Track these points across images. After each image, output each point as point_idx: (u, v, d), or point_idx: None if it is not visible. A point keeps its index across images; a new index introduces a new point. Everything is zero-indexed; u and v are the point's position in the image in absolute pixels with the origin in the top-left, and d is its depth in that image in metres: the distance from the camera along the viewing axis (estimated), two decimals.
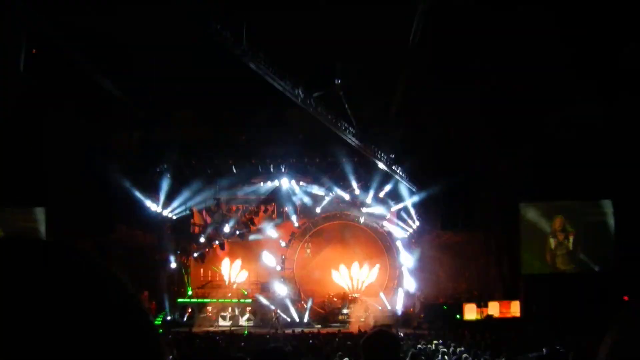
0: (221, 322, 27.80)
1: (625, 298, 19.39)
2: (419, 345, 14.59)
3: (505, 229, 26.02)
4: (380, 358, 3.56)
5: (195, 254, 29.60)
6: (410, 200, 27.25)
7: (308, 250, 30.27)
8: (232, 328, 26.41)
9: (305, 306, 28.97)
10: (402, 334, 20.01)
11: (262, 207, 29.39)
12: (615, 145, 21.95)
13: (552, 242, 26.05)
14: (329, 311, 29.20)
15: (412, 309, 28.31)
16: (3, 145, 21.34)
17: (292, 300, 29.16)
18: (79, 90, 20.81)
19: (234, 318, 28.20)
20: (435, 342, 16.11)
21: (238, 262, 30.19)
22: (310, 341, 17.65)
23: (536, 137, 22.69)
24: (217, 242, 29.68)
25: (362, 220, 30.04)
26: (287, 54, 19.88)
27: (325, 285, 30.10)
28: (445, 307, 26.16)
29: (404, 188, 26.73)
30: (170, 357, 7.08)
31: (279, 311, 28.10)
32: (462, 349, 13.71)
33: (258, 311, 28.39)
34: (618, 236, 25.04)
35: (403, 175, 25.54)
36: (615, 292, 19.81)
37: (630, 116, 20.96)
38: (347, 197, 28.27)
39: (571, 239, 25.96)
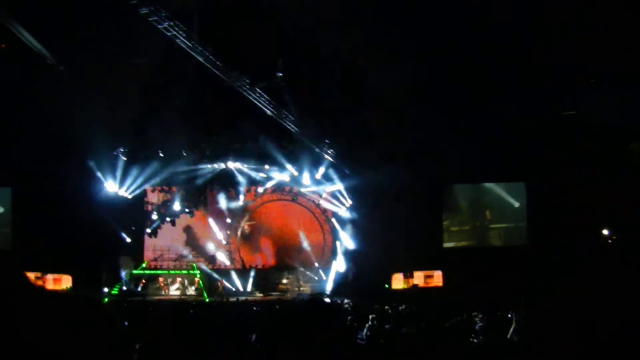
0: (172, 292, 29.33)
1: None
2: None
3: (429, 207, 28.02)
4: (315, 324, 4.39)
5: (148, 230, 31.18)
6: (343, 183, 29.01)
7: (249, 226, 32.12)
8: (182, 297, 28.27)
9: (248, 276, 30.79)
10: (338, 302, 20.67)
11: (209, 187, 31.11)
12: (528, 137, 24.13)
13: (473, 219, 28.42)
14: (270, 281, 30.97)
15: (346, 279, 29.41)
16: None
17: (236, 271, 31.09)
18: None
19: (183, 288, 29.68)
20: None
21: (184, 236, 31.81)
22: (254, 308, 18.53)
23: (463, 129, 24.33)
24: (168, 219, 31.34)
25: (300, 198, 31.73)
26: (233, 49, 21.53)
27: (266, 257, 31.83)
28: (374, 278, 27.49)
29: (338, 171, 28.56)
30: (126, 323, 8.18)
31: (224, 281, 30.08)
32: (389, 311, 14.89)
33: (205, 281, 29.77)
34: (529, 214, 27.38)
35: (338, 159, 27.43)
36: (527, 265, 21.49)
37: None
38: (287, 178, 29.95)
39: (489, 216, 28.33)
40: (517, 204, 28.11)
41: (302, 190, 31.05)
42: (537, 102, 23.24)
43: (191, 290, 29.63)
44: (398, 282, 27.56)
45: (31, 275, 23.85)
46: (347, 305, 18.69)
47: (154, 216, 31.27)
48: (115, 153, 27.76)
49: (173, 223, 31.43)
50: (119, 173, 28.21)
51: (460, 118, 24.12)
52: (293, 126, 24.50)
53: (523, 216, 27.77)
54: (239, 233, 32.32)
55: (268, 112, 23.97)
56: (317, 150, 26.42)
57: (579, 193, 22.85)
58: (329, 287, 29.00)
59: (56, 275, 26.20)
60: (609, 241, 24.89)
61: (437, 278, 27.37)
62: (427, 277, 27.49)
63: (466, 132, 24.48)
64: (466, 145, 24.86)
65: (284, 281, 30.82)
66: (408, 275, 27.49)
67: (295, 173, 29.29)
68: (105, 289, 27.65)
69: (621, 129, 22.60)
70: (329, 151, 26.83)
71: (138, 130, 26.44)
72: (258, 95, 23.15)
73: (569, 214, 22.95)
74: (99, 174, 27.50)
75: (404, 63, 21.52)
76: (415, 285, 26.87)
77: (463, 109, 23.76)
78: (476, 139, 24.66)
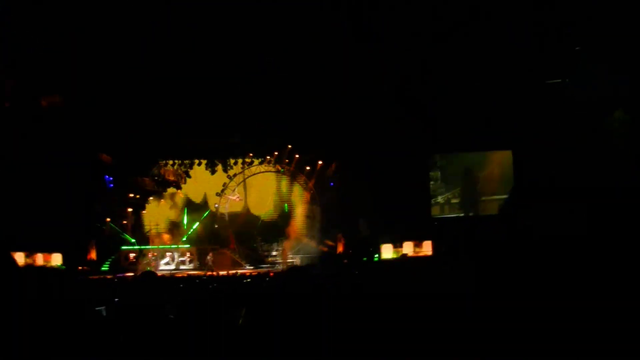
0: (162, 267, 29.31)
1: None
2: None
3: (416, 178, 28.11)
4: (293, 290, 4.33)
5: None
6: (329, 154, 29.47)
7: (238, 198, 32.37)
8: (172, 271, 28.40)
9: (237, 250, 31.00)
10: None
11: (197, 161, 31.31)
12: (514, 105, 24.31)
13: (460, 188, 28.69)
14: (260, 253, 31.32)
15: (338, 249, 29.78)
16: None
17: (225, 245, 31.20)
18: None
19: (173, 262, 29.88)
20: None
21: (173, 210, 31.84)
22: (244, 280, 18.43)
23: (448, 97, 24.62)
24: (155, 193, 31.44)
25: (288, 170, 32.02)
26: None
27: (254, 229, 32.09)
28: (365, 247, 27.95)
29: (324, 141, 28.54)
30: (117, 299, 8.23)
31: (213, 255, 30.04)
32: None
33: (195, 255, 30.09)
34: (516, 183, 27.11)
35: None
36: (511, 234, 21.88)
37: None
38: (275, 150, 30.43)
39: (477, 185, 28.58)
40: (504, 173, 28.22)
41: (290, 161, 31.33)
42: (523, 69, 23.26)
43: (181, 264, 29.82)
44: (388, 252, 27.58)
45: (20, 254, 23.95)
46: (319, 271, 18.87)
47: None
48: None
49: (161, 196, 31.48)
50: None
51: (445, 86, 24.20)
52: None
53: (510, 185, 27.79)
54: (227, 205, 32.52)
55: None
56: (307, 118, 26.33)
57: (564, 162, 23.02)
58: (318, 258, 28.79)
59: (45, 254, 26.23)
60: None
61: (427, 247, 27.38)
62: (416, 246, 27.48)
63: (452, 100, 24.64)
64: (452, 114, 25.05)
65: (274, 253, 31.05)
66: (397, 245, 27.52)
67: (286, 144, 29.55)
68: (96, 266, 27.72)
69: (606, 98, 22.66)
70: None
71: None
72: None
73: (554, 183, 23.07)
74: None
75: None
76: (404, 255, 26.96)
77: (448, 77, 23.75)
78: (463, 107, 24.78)
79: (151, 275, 7.19)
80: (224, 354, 4.09)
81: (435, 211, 29.08)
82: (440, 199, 29.24)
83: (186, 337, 4.28)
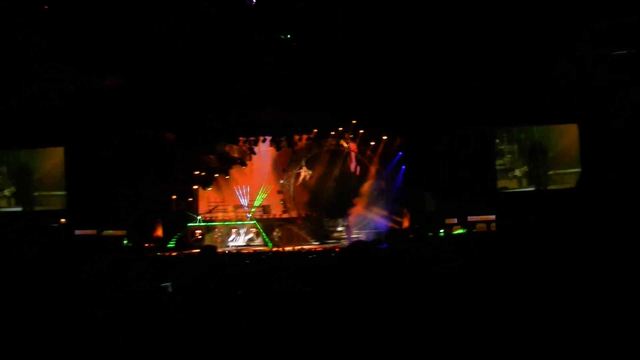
0: (229, 243, 29.73)
1: None
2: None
3: (481, 152, 27.75)
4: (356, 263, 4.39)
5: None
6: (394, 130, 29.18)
7: (302, 174, 32.37)
8: (239, 247, 28.63)
9: (303, 225, 31.13)
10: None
11: (261, 138, 31.34)
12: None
13: (523, 163, 28.21)
14: (325, 229, 31.38)
15: (404, 224, 29.77)
16: None
17: (290, 220, 31.44)
18: None
19: (239, 238, 30.16)
20: None
21: (238, 187, 31.95)
22: (310, 256, 18.22)
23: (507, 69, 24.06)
24: (220, 170, 31.54)
25: (352, 145, 31.93)
26: None
27: (322, 205, 32.12)
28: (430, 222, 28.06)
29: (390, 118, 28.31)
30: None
31: (279, 230, 30.41)
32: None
33: (260, 231, 30.24)
34: (583, 158, 26.99)
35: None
36: (579, 209, 21.55)
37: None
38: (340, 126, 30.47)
39: (540, 160, 28.06)
40: (570, 147, 27.63)
41: (355, 136, 31.26)
42: (588, 42, 22.68)
43: (247, 241, 30.11)
44: (452, 227, 27.62)
45: (87, 233, 24.55)
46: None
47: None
48: None
49: (226, 173, 31.64)
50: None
51: (509, 60, 23.66)
52: None
53: (577, 160, 27.37)
54: (292, 182, 32.61)
55: None
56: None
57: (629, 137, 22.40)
58: (383, 233, 28.76)
59: (111, 232, 26.71)
60: None
61: (492, 223, 27.06)
62: (481, 222, 27.31)
63: (515, 74, 24.16)
64: (516, 87, 24.66)
65: (339, 229, 31.03)
66: (462, 220, 27.48)
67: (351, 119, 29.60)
68: (162, 243, 28.10)
69: None
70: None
71: None
72: None
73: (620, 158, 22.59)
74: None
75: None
76: (469, 230, 26.80)
77: (511, 52, 23.30)
78: (526, 81, 24.38)
79: (211, 249, 7.28)
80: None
81: (513, 184, 28.55)
82: (518, 172, 28.79)
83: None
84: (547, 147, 28.17)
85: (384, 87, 25.51)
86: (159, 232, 28.69)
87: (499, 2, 21.00)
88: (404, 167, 30.34)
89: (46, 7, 20.44)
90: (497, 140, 28.72)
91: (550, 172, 28.11)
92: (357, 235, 29.43)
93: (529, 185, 28.63)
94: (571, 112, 26.23)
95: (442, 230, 27.62)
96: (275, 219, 31.51)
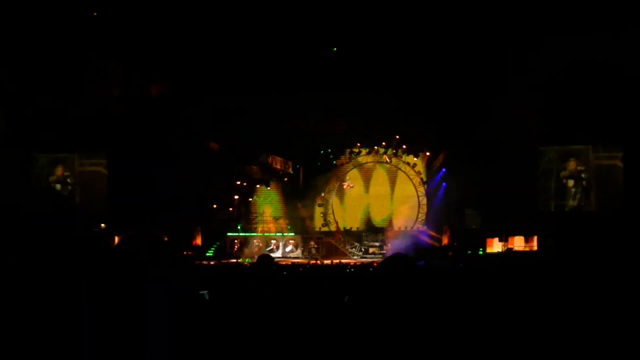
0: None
1: None
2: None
3: (524, 171, 27.27)
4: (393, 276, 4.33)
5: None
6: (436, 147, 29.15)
7: (343, 188, 32.29)
8: (277, 259, 28.52)
9: (342, 239, 31.10)
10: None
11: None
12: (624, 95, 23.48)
13: (567, 182, 27.81)
14: (364, 243, 31.06)
15: (443, 242, 29.61)
16: None
17: (329, 234, 31.43)
18: None
19: (278, 250, 30.14)
20: None
21: (277, 198, 32.29)
22: (347, 270, 18.36)
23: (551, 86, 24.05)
24: (262, 181, 31.68)
25: (394, 160, 31.87)
26: None
27: (360, 219, 32.19)
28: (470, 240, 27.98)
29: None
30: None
31: (316, 243, 30.39)
32: None
33: (299, 243, 30.41)
34: (626, 178, 26.58)
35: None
36: (624, 231, 21.37)
37: None
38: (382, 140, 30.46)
39: (584, 180, 27.65)
40: (613, 167, 27.28)
41: (396, 152, 31.31)
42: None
43: (286, 252, 30.17)
44: (493, 246, 27.47)
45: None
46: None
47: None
48: None
49: (267, 184, 31.71)
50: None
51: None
52: None
53: (619, 180, 27.00)
54: (332, 195, 32.59)
55: None
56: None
57: None
58: (422, 249, 28.39)
59: None
60: None
61: (532, 242, 27.06)
62: (522, 241, 27.16)
63: (558, 92, 24.13)
64: (559, 106, 24.60)
65: (377, 243, 30.84)
66: (503, 239, 27.18)
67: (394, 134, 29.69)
68: (201, 251, 28.25)
69: None
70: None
71: None
72: None
73: None
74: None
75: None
76: (509, 249, 26.60)
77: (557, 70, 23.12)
78: (569, 99, 24.24)
79: (269, 259, 7.39)
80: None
81: (542, 204, 28.20)
82: (546, 192, 28.39)
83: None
84: (590, 168, 27.76)
85: (428, 103, 25.43)
86: (198, 240, 28.87)
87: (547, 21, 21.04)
88: (444, 184, 30.21)
89: (95, 14, 20.74)
90: (542, 160, 28.30)
91: (592, 193, 27.70)
92: (395, 250, 29.27)
93: (566, 204, 28.20)
94: (616, 132, 25.87)
95: (481, 249, 27.31)
96: (313, 231, 31.49)
